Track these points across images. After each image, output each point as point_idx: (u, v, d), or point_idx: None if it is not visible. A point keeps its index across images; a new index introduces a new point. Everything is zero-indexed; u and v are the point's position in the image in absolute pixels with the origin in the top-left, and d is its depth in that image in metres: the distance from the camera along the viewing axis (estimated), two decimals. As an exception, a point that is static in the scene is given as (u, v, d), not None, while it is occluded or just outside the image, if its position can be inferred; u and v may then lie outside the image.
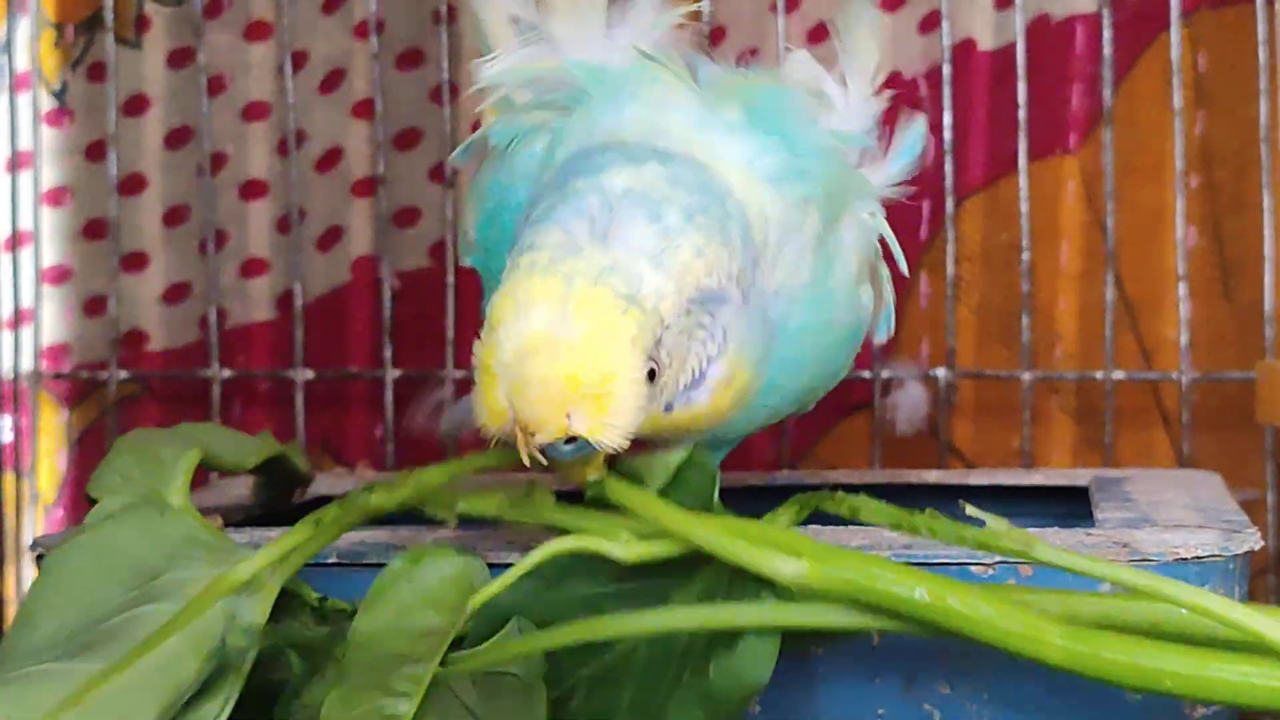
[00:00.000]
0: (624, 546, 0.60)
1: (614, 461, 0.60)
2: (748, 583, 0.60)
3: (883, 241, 0.71)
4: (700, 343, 0.61)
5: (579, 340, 0.57)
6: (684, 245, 0.60)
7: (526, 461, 0.59)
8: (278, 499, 0.83)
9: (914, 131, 0.71)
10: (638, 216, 0.60)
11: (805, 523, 0.70)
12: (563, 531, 0.61)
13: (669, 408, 0.61)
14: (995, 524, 0.59)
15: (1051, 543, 0.65)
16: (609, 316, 0.58)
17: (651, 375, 0.59)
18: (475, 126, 1.03)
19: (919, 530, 0.60)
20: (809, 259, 0.65)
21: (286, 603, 0.64)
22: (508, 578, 0.61)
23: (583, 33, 0.68)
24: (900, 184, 0.71)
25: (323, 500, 0.90)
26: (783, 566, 0.59)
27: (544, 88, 0.68)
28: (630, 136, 0.64)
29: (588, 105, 0.66)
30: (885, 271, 0.72)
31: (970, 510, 0.60)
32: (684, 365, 0.60)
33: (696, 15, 0.99)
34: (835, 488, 0.90)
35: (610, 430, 0.58)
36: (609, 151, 0.63)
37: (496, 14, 0.70)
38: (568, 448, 0.58)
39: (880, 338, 0.73)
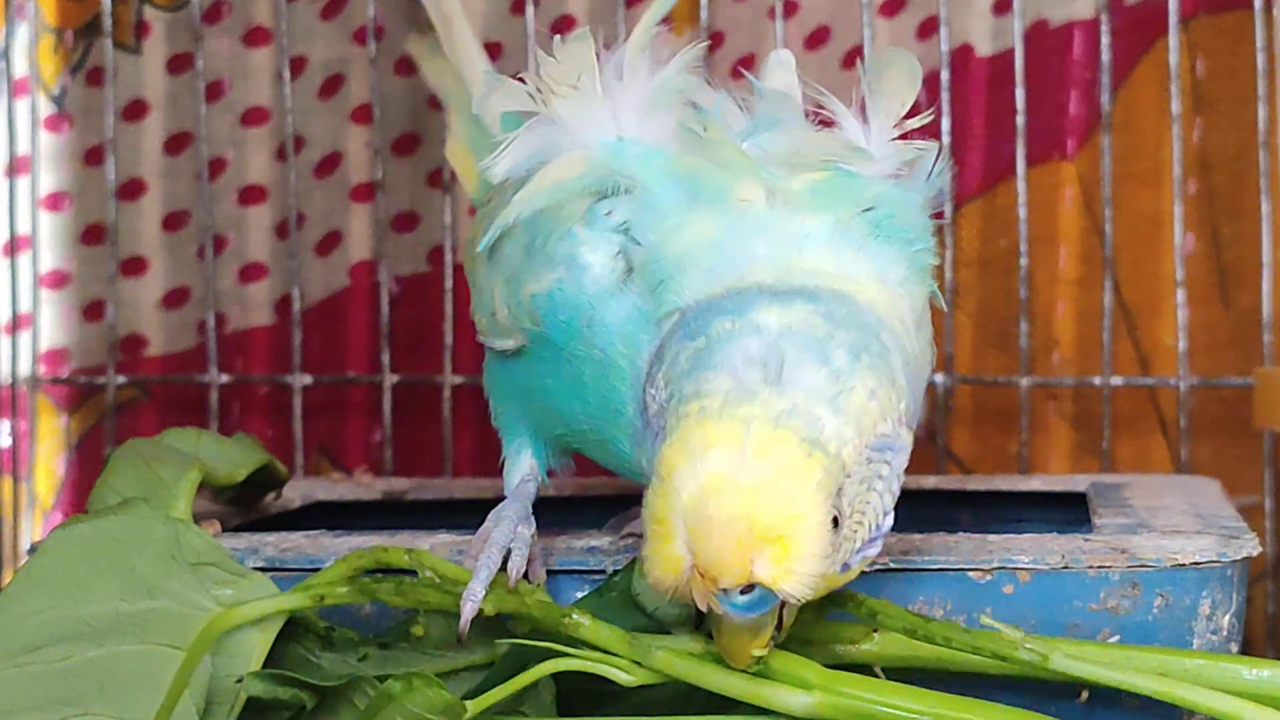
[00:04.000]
0: (626, 671, 0.60)
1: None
2: None
3: None
4: (878, 495, 0.57)
5: (762, 482, 0.54)
6: (858, 388, 0.56)
7: (703, 608, 0.55)
8: (250, 498, 0.82)
9: (930, 159, 0.67)
10: (807, 359, 0.56)
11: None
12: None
13: (846, 567, 0.57)
14: (1010, 632, 0.60)
15: (1049, 549, 0.66)
16: (793, 459, 0.54)
17: (835, 523, 0.55)
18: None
19: (935, 639, 0.60)
20: (931, 351, 0.63)
21: (291, 629, 0.64)
22: (499, 693, 0.61)
23: (588, 107, 0.65)
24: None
25: (321, 505, 0.90)
26: (792, 701, 0.59)
27: (576, 182, 0.64)
28: (762, 273, 0.60)
29: (651, 197, 0.63)
30: None
31: (986, 620, 0.60)
32: (863, 519, 0.57)
33: (694, 22, 1.00)
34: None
35: (795, 578, 0.54)
36: (747, 291, 0.59)
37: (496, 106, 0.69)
38: (743, 599, 0.55)
39: None
